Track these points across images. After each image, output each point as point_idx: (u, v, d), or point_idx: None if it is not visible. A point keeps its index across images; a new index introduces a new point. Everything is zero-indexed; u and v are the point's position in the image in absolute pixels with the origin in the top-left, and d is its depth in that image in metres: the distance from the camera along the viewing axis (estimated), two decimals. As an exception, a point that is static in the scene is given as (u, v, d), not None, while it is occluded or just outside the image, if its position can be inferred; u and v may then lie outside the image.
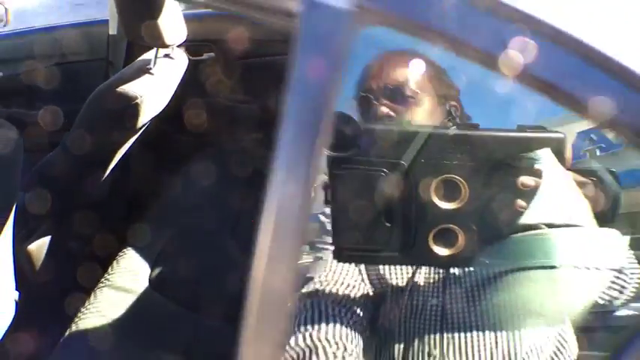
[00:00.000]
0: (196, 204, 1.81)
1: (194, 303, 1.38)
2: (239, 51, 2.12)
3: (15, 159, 1.12)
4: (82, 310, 1.31)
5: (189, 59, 1.95)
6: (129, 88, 1.50)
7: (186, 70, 1.89)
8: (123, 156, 1.68)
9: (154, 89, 1.59)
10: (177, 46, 1.84)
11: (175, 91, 1.81)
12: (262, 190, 0.56)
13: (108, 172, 1.63)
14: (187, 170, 2.02)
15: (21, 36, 2.38)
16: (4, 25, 2.50)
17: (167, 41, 1.59)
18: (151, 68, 1.63)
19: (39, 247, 1.55)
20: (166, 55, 1.77)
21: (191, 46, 2.09)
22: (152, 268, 1.50)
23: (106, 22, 2.16)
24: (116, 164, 1.66)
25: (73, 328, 1.26)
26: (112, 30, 2.13)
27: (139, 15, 1.53)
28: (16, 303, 1.39)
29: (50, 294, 1.57)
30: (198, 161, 2.07)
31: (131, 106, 1.50)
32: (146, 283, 1.45)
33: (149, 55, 1.70)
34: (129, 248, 1.54)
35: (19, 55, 2.31)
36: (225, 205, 1.82)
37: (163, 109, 1.75)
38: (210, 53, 2.20)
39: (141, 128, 1.64)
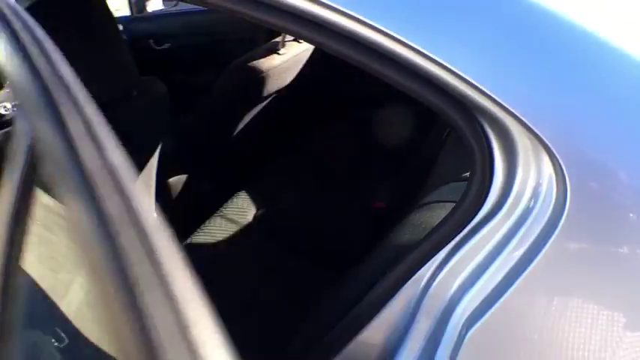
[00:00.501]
0: (302, 166, 2.12)
1: (286, 243, 1.66)
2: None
3: (163, 107, 1.47)
4: (197, 231, 1.68)
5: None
6: (258, 63, 1.83)
7: (314, 55, 2.18)
8: (249, 120, 2.02)
9: (279, 67, 1.91)
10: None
11: (300, 72, 2.11)
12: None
13: (236, 132, 1.98)
14: (300, 140, 2.33)
15: (187, 14, 2.86)
16: (175, 5, 3.00)
17: None
18: (279, 49, 1.95)
19: (176, 181, 1.96)
20: (295, 39, 2.08)
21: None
22: (258, 209, 1.82)
23: (254, 7, 2.52)
24: (242, 127, 2.01)
25: (187, 241, 1.63)
26: (259, 14, 2.49)
27: None
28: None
29: (178, 220, 1.98)
30: (310, 133, 2.39)
31: (258, 79, 1.82)
32: (250, 219, 1.78)
33: (278, 39, 2.01)
34: (243, 191, 1.89)
35: (184, 31, 2.78)
36: (328, 169, 2.10)
37: (287, 86, 2.07)
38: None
39: (265, 99, 1.97)
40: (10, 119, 2.11)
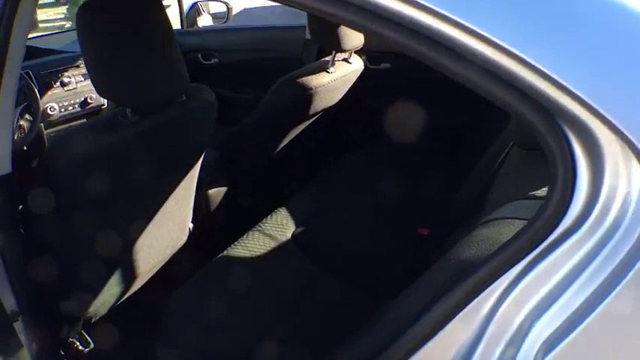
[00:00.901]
0: (345, 187, 2.08)
1: (323, 263, 1.63)
2: (415, 65, 2.33)
3: (209, 117, 1.45)
4: (235, 243, 1.65)
5: (367, 67, 2.22)
6: (307, 80, 1.82)
7: (363, 75, 2.16)
8: (293, 137, 2.00)
9: (327, 85, 1.89)
10: (358, 54, 2.14)
11: (348, 92, 2.10)
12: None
13: (279, 148, 1.97)
14: (343, 159, 2.31)
15: (236, 31, 2.89)
16: (225, 22, 3.05)
17: (343, 46, 1.89)
18: (328, 67, 1.94)
19: (216, 193, 1.95)
20: (345, 60, 2.07)
21: (371, 55, 2.38)
22: (297, 227, 1.79)
23: (304, 27, 2.55)
24: (286, 144, 2.00)
25: (224, 253, 1.60)
26: (308, 35, 2.50)
27: (323, 22, 1.83)
28: (190, 232, 1.78)
29: (216, 232, 1.96)
30: (353, 153, 2.35)
31: (307, 96, 1.81)
32: (289, 237, 1.75)
33: (328, 58, 2.01)
34: (283, 207, 1.86)
35: (233, 47, 2.81)
36: (370, 192, 2.05)
37: (333, 105, 2.05)
38: (386, 64, 2.44)
39: (312, 116, 1.95)
40: (57, 119, 2.15)
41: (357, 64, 2.12)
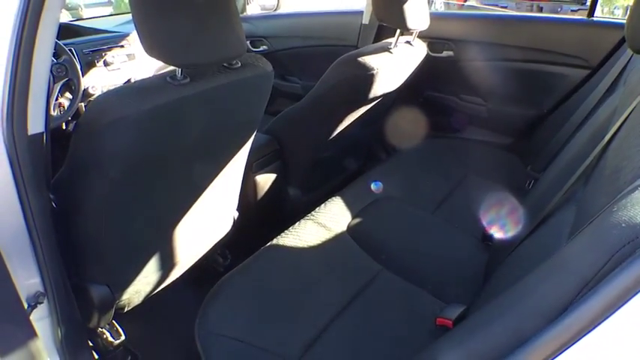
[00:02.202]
0: (404, 180, 1.91)
1: (383, 258, 1.47)
2: (478, 52, 2.18)
3: (265, 88, 1.31)
4: (285, 232, 1.50)
5: (428, 55, 2.06)
6: (368, 59, 1.65)
7: (424, 63, 2.00)
8: (350, 123, 1.84)
9: (390, 67, 1.72)
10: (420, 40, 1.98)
11: (408, 79, 1.93)
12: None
13: (334, 133, 1.80)
14: (400, 151, 2.15)
15: (287, 18, 2.76)
16: (275, 10, 2.93)
17: (409, 25, 1.72)
18: (391, 48, 1.77)
19: (265, 179, 1.80)
20: (407, 42, 1.90)
21: (433, 42, 2.21)
22: (352, 218, 1.63)
23: (360, 12, 2.39)
24: (341, 130, 1.83)
25: (274, 241, 1.45)
26: (365, 20, 2.35)
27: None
28: (234, 221, 1.63)
29: (262, 221, 1.81)
30: (410, 146, 2.20)
31: (367, 76, 1.64)
32: (344, 228, 1.59)
33: (390, 39, 1.85)
34: (337, 197, 1.71)
35: (283, 34, 2.68)
36: (437, 188, 1.90)
37: (394, 91, 1.88)
38: (449, 52, 2.27)
39: (372, 100, 1.78)
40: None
41: (421, 48, 1.95)
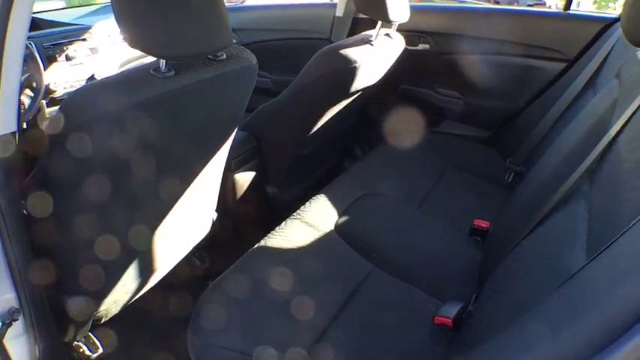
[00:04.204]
0: (386, 174, 1.88)
1: (370, 254, 1.43)
2: (455, 45, 2.16)
3: (250, 81, 1.24)
4: (272, 233, 1.44)
5: (404, 47, 2.02)
6: (350, 52, 1.60)
7: (401, 56, 1.96)
8: (329, 118, 1.78)
9: (371, 60, 1.68)
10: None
11: (388, 71, 1.89)
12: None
13: (316, 127, 1.75)
14: (380, 145, 2.11)
15: (256, 10, 2.67)
16: (242, 2, 2.83)
17: (391, 17, 1.68)
18: (372, 40, 1.72)
19: (244, 178, 1.72)
20: (386, 35, 1.86)
21: (409, 35, 2.17)
22: (339, 217, 1.58)
23: (333, 5, 2.34)
24: (321, 125, 1.78)
25: (262, 243, 1.38)
26: (339, 12, 2.29)
27: None
28: (213, 222, 1.56)
29: (241, 224, 1.74)
30: (391, 139, 2.17)
31: (350, 69, 1.59)
32: (331, 226, 1.53)
33: (370, 32, 1.80)
34: (322, 195, 1.65)
35: (252, 27, 2.58)
36: (419, 182, 1.87)
37: (373, 85, 1.84)
38: (425, 45, 2.24)
39: (354, 94, 1.73)
40: (61, 97, 1.92)
41: (399, 41, 1.91)
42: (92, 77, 1.98)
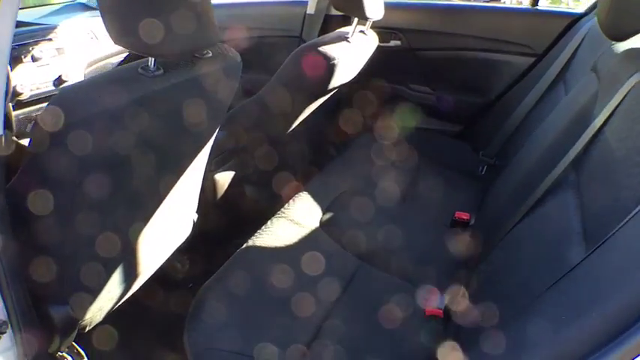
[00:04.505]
0: (366, 169, 1.90)
1: (359, 251, 1.45)
2: (425, 42, 2.19)
3: (235, 78, 1.22)
4: (259, 232, 1.43)
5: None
6: (329, 49, 1.60)
7: (374, 53, 1.97)
8: (307, 116, 1.78)
9: (348, 56, 1.68)
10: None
11: (364, 68, 1.90)
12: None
13: (294, 125, 1.74)
14: (358, 140, 2.13)
15: (225, 8, 2.63)
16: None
17: (367, 14, 1.69)
18: (349, 37, 1.72)
19: (224, 177, 1.70)
20: (361, 32, 1.86)
21: (380, 32, 2.19)
22: (323, 213, 1.59)
23: (303, 2, 2.33)
24: (299, 123, 1.77)
25: (250, 242, 1.37)
26: (310, 10, 2.29)
27: None
28: (194, 224, 1.53)
29: (221, 222, 1.72)
30: (368, 134, 2.19)
31: (329, 66, 1.59)
32: (317, 224, 1.54)
33: (346, 28, 1.80)
34: (305, 192, 1.65)
35: (220, 25, 2.54)
36: (396, 177, 1.89)
37: (352, 81, 1.85)
38: (396, 41, 2.26)
39: (331, 90, 1.73)
40: (28, 99, 1.85)
41: (374, 38, 1.93)
42: (59, 78, 1.92)
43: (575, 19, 1.95)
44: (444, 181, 1.92)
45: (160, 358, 1.44)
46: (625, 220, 0.67)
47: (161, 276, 1.51)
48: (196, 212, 1.53)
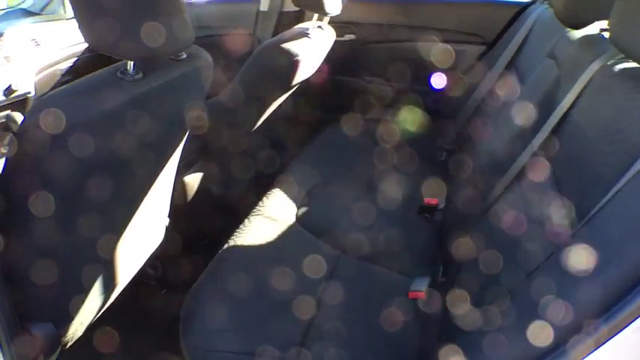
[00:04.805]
0: (333, 162, 1.93)
1: (335, 241, 1.47)
2: (379, 35, 2.23)
3: (208, 79, 1.22)
4: (238, 231, 1.43)
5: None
6: (291, 46, 1.61)
7: (331, 47, 2.00)
8: (273, 111, 1.79)
9: (309, 52, 1.70)
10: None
11: (324, 61, 1.93)
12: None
13: (258, 124, 1.74)
14: (323, 134, 2.15)
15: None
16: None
17: (327, 10, 1.70)
18: (309, 33, 1.74)
19: (193, 180, 1.68)
20: (319, 27, 1.88)
21: (334, 26, 2.21)
22: (298, 208, 1.61)
23: (256, 0, 2.32)
24: (265, 119, 1.78)
25: (231, 243, 1.37)
26: (263, 7, 2.28)
27: None
28: (166, 229, 1.51)
29: (196, 226, 1.70)
30: (332, 128, 2.22)
31: (291, 63, 1.60)
32: (294, 218, 1.55)
33: (305, 24, 1.82)
34: (276, 189, 1.66)
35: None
36: (362, 168, 1.92)
37: (312, 75, 1.87)
38: (351, 35, 2.29)
39: (293, 87, 1.74)
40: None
41: (331, 32, 1.95)
42: (9, 88, 1.84)
43: (523, 8, 2.03)
44: (407, 168, 1.96)
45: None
46: (612, 192, 0.72)
47: (134, 283, 1.49)
48: (168, 217, 1.51)
